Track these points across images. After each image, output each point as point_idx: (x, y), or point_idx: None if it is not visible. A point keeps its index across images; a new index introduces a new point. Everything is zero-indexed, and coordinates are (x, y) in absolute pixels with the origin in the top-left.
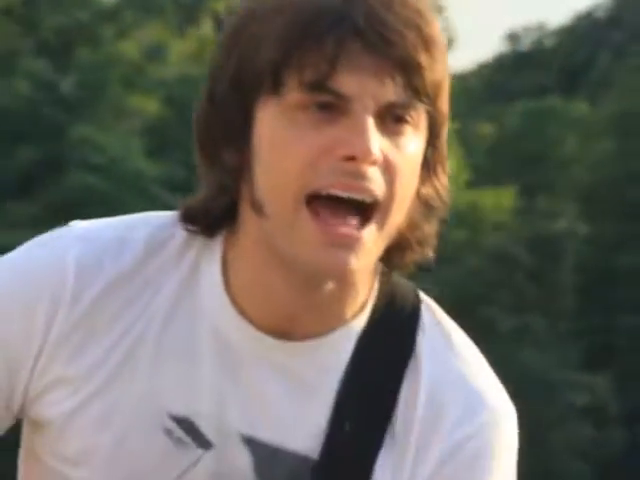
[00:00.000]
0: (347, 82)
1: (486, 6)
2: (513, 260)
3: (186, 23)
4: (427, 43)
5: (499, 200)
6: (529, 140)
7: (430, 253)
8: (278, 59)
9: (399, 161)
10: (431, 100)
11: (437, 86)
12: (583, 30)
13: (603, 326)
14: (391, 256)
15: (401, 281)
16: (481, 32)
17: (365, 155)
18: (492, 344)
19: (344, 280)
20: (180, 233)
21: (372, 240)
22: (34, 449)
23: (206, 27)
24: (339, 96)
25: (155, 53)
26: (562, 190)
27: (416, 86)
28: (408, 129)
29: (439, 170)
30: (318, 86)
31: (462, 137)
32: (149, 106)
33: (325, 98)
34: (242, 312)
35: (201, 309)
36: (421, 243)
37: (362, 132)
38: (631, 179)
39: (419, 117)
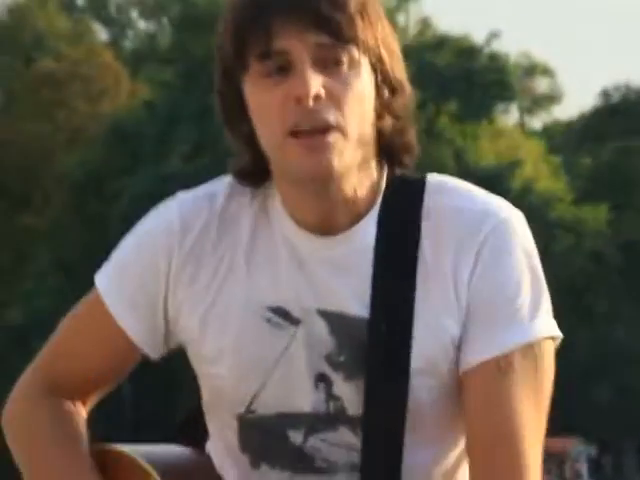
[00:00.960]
0: (281, 43)
1: (587, 69)
2: (608, 259)
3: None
4: (334, 2)
5: (597, 214)
6: (619, 170)
7: (414, 157)
8: (239, 45)
9: (342, 91)
10: (349, 40)
11: (352, 29)
12: None
13: None
14: (388, 159)
15: (411, 172)
16: (583, 89)
17: (306, 95)
18: (591, 326)
19: (332, 178)
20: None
21: (340, 145)
22: (191, 359)
23: None
24: (281, 55)
25: None
26: None
27: (333, 32)
28: (345, 67)
29: (395, 88)
30: (265, 54)
31: (568, 167)
32: None
33: (273, 62)
34: (296, 222)
35: (273, 226)
36: (405, 146)
37: (301, 78)
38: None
39: (351, 55)
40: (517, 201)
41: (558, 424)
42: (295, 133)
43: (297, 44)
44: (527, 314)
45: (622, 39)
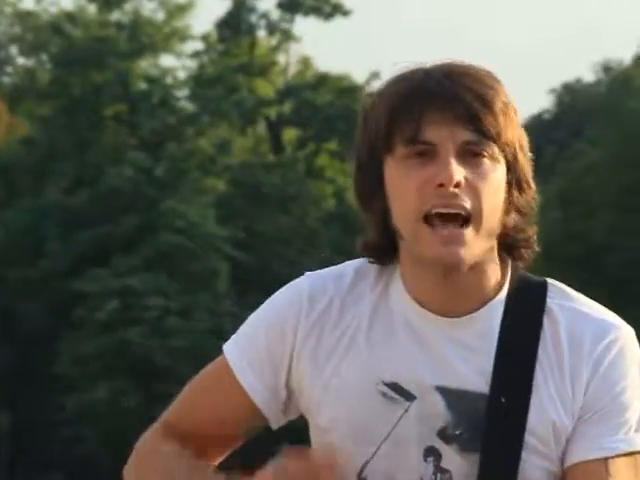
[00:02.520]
0: (430, 133)
1: None
2: None
3: (246, 124)
4: (484, 101)
5: None
6: None
7: (534, 251)
8: (388, 127)
9: (480, 182)
10: (493, 137)
11: (496, 127)
12: (535, 128)
13: None
14: (509, 252)
15: (532, 275)
16: None
17: (449, 181)
18: None
19: (462, 268)
20: (376, 266)
21: (471, 238)
22: (310, 429)
23: (261, 127)
24: (427, 144)
25: (223, 147)
26: None
27: (481, 130)
28: (485, 160)
29: (522, 186)
30: (413, 140)
31: None
32: (219, 185)
33: (419, 148)
34: (419, 303)
35: (393, 306)
36: (526, 242)
37: (446, 166)
38: (573, 237)
39: (492, 151)
40: None
41: None
42: (429, 218)
43: (445, 137)
44: (635, 425)
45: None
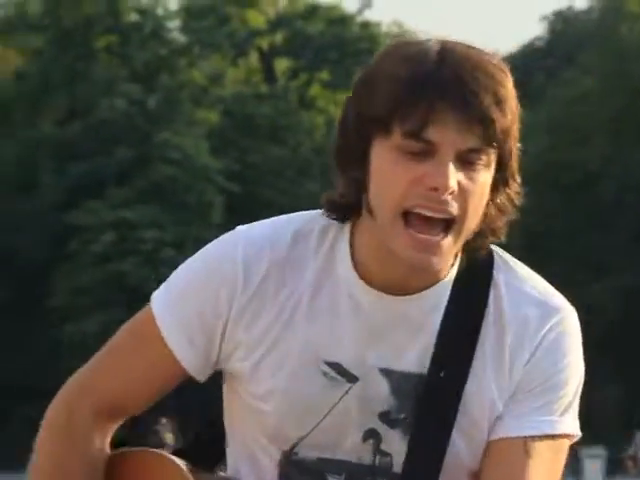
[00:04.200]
0: (435, 134)
1: (458, 37)
2: None
3: (238, 56)
4: (499, 102)
5: None
6: None
7: (498, 238)
8: (388, 113)
9: (471, 189)
10: (500, 145)
11: (506, 133)
12: (526, 56)
13: None
14: (471, 240)
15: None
16: None
17: (445, 188)
18: None
19: (432, 271)
20: (317, 227)
21: (449, 247)
22: (233, 387)
23: (253, 58)
24: (429, 143)
25: (216, 78)
26: None
27: (489, 136)
28: (480, 166)
29: (509, 182)
30: (414, 135)
31: None
32: (212, 117)
33: (418, 145)
34: (363, 278)
35: (338, 278)
36: (494, 232)
37: (444, 171)
38: (561, 166)
39: (489, 157)
40: None
41: None
42: (409, 215)
43: (449, 139)
44: (562, 409)
45: (491, 7)
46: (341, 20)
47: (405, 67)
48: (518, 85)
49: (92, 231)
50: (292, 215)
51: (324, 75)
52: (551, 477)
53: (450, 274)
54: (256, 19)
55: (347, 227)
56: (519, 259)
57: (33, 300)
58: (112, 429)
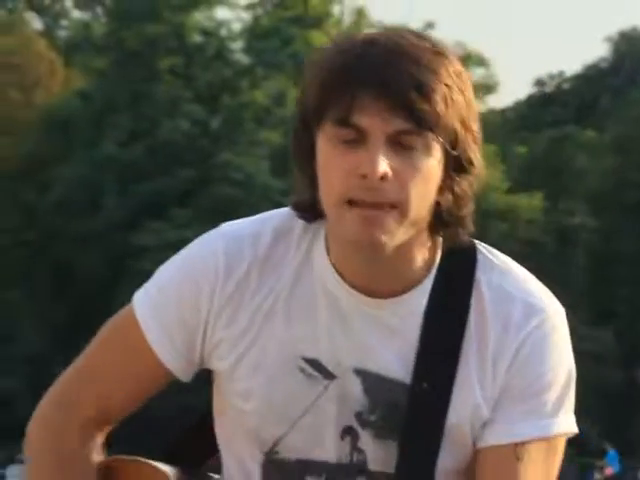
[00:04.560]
0: (361, 119)
1: (521, 58)
2: (542, 246)
3: (300, 76)
4: (421, 86)
5: (531, 202)
6: (553, 158)
7: (469, 229)
8: (319, 102)
9: (409, 173)
10: (429, 126)
11: (434, 116)
12: (591, 76)
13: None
14: (440, 232)
15: (463, 241)
16: (517, 78)
17: (373, 174)
18: None
19: (383, 252)
20: (298, 224)
21: (394, 224)
22: (217, 385)
23: None
24: (357, 129)
25: (278, 99)
26: (577, 194)
27: (415, 119)
28: (418, 151)
29: (463, 167)
30: (342, 122)
31: (503, 156)
32: (274, 138)
33: (348, 132)
34: (341, 275)
35: (315, 276)
36: (459, 223)
37: (372, 157)
38: (628, 186)
39: (427, 141)
40: None
41: None
42: (352, 202)
43: (376, 124)
44: (550, 410)
45: (556, 28)
46: None
47: (334, 58)
48: (584, 106)
49: (155, 251)
50: (274, 212)
51: None
52: (547, 478)
53: (429, 276)
54: (319, 40)
55: (323, 227)
56: (582, 281)
57: (95, 319)
58: (102, 437)
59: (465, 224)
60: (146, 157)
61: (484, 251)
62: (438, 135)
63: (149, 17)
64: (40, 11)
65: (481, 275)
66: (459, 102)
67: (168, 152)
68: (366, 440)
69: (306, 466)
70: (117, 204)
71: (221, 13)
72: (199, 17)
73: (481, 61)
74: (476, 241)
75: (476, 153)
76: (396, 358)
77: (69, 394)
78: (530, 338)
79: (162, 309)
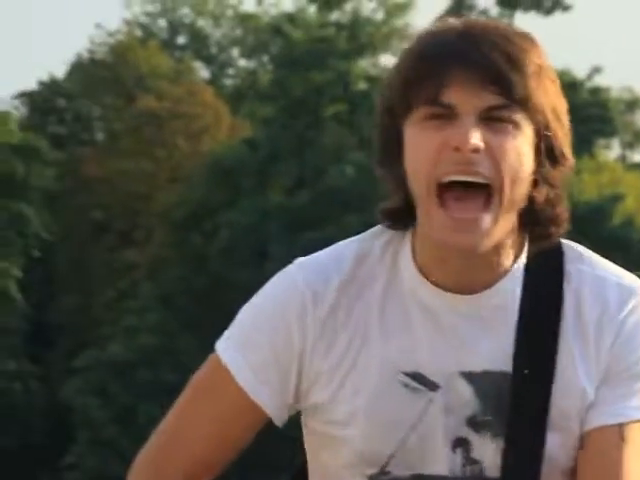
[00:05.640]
0: (452, 95)
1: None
2: None
3: None
4: (513, 62)
5: None
6: None
7: (563, 230)
8: (408, 88)
9: (501, 148)
10: (521, 101)
11: (525, 91)
12: None
13: None
14: (535, 229)
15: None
16: None
17: (465, 145)
18: None
19: (476, 253)
20: (378, 242)
21: (490, 221)
22: (311, 426)
23: None
24: (448, 106)
25: None
26: None
27: (507, 94)
28: (509, 127)
29: (556, 157)
30: (433, 101)
31: None
32: None
33: (438, 109)
34: (431, 278)
35: (404, 286)
36: (555, 219)
37: (464, 129)
38: None
39: (517, 117)
40: (619, 235)
41: None
42: (443, 192)
43: (467, 99)
44: None
45: None
46: (571, 85)
47: (422, 42)
48: None
49: None
50: (351, 238)
51: None
52: None
53: (517, 266)
54: None
55: (408, 235)
56: None
57: None
58: None
59: (559, 222)
60: (312, 204)
61: (572, 245)
62: (529, 114)
63: (314, 64)
64: (207, 60)
65: (571, 266)
66: (550, 88)
67: (334, 199)
68: (481, 446)
69: None
70: (284, 252)
71: (386, 60)
72: (364, 64)
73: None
74: (563, 239)
75: (568, 147)
76: (496, 350)
77: (159, 459)
78: (630, 318)
79: (249, 349)
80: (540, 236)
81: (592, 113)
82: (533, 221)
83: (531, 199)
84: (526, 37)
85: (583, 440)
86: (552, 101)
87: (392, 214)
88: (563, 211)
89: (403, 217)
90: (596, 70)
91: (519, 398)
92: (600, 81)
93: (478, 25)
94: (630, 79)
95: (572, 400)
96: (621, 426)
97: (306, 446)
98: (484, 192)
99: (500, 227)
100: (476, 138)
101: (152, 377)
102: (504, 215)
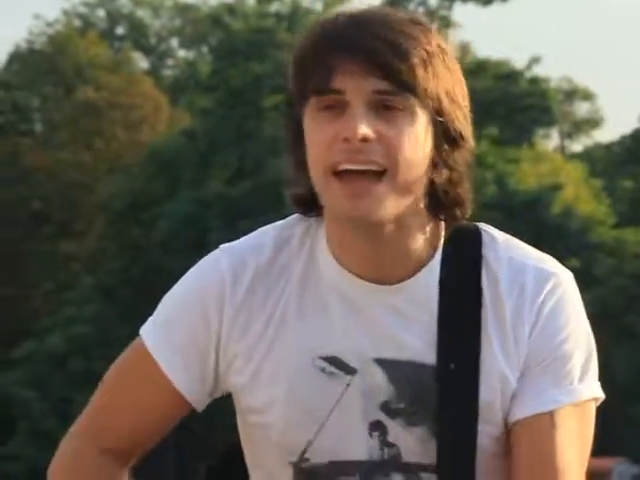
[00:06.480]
0: (340, 83)
1: (627, 93)
2: None
3: None
4: (396, 50)
5: (638, 237)
6: None
7: (467, 211)
8: (299, 79)
9: (394, 136)
10: (409, 88)
11: (412, 78)
12: None
13: None
14: (439, 211)
15: (465, 224)
16: (623, 112)
17: (353, 135)
18: (632, 345)
19: (375, 224)
20: (298, 229)
21: (383, 192)
22: (238, 409)
23: None
24: (337, 92)
25: None
26: None
27: (390, 79)
28: (400, 113)
29: (455, 140)
30: (322, 89)
31: (610, 191)
32: None
33: (329, 99)
34: (347, 267)
35: (321, 274)
36: (457, 200)
37: (352, 119)
38: None
39: (408, 103)
40: (558, 224)
41: (600, 444)
42: (338, 173)
43: (354, 86)
44: (577, 375)
45: None
46: (509, 76)
47: (312, 33)
48: None
49: None
50: (273, 224)
51: (492, 131)
52: (582, 444)
53: (435, 258)
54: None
55: (324, 223)
56: None
57: None
58: (123, 472)
59: (462, 204)
60: (251, 195)
61: (488, 230)
62: (419, 99)
63: (254, 55)
64: (146, 51)
65: (488, 252)
66: (442, 72)
67: (273, 190)
68: (396, 432)
69: (339, 467)
70: (222, 242)
71: None
72: None
73: (587, 96)
74: (478, 223)
75: (467, 129)
76: (416, 341)
77: (90, 429)
78: (546, 304)
79: (171, 334)
80: (447, 219)
81: (531, 103)
82: (436, 204)
83: (431, 182)
84: (417, 24)
85: (515, 429)
86: (446, 85)
87: (299, 200)
88: (465, 191)
89: (309, 203)
90: (535, 60)
91: (447, 393)
92: (539, 71)
93: (367, 14)
94: (569, 69)
95: (496, 390)
96: (552, 413)
97: (239, 426)
98: (374, 174)
99: (396, 201)
100: (364, 128)
101: (87, 367)
102: (401, 191)
